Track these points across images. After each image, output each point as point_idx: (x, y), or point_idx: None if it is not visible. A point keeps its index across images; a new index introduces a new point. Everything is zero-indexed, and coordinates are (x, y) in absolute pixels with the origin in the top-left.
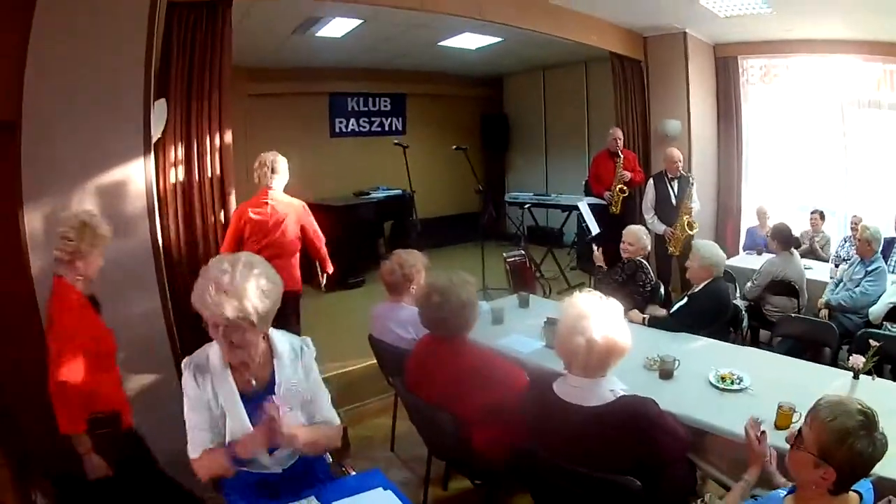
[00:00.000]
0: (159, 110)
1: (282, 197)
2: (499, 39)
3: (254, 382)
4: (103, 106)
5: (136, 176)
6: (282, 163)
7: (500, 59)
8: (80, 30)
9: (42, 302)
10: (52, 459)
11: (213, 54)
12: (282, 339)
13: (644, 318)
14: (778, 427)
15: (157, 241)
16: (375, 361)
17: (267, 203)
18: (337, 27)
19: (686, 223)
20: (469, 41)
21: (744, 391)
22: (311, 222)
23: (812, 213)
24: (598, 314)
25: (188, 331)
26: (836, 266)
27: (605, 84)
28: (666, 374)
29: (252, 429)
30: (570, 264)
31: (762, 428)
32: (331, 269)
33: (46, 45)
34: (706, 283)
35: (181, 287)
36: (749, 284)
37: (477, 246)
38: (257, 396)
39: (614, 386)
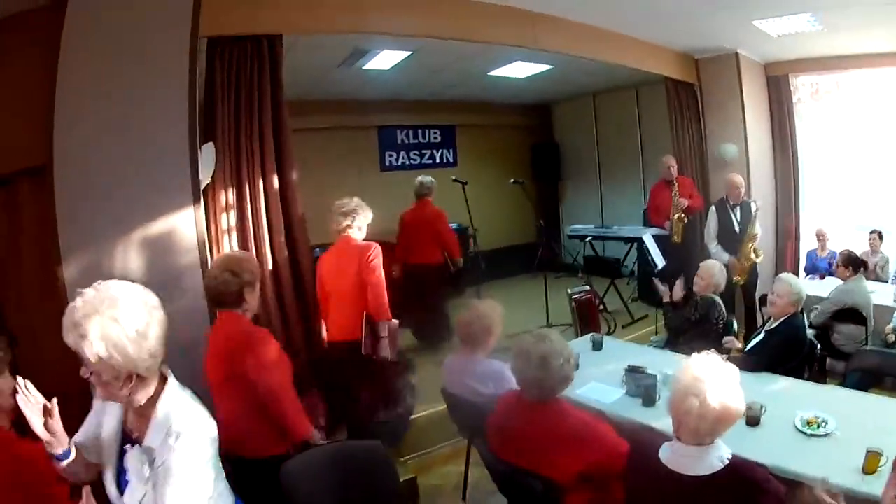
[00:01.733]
0: (207, 154)
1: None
2: (549, 67)
3: (134, 434)
4: (145, 151)
5: (185, 227)
6: None
7: (549, 87)
8: (111, 70)
9: None
10: None
11: (261, 92)
12: (168, 407)
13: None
14: (866, 472)
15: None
16: (444, 407)
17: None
18: (385, 59)
19: (752, 250)
20: (519, 70)
21: (829, 435)
22: None
23: (871, 233)
24: (715, 379)
25: None
26: None
27: (659, 109)
28: (753, 421)
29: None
30: (631, 295)
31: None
32: None
33: (75, 86)
34: (785, 317)
35: None
36: (816, 312)
37: (534, 277)
38: (130, 446)
39: (722, 452)
